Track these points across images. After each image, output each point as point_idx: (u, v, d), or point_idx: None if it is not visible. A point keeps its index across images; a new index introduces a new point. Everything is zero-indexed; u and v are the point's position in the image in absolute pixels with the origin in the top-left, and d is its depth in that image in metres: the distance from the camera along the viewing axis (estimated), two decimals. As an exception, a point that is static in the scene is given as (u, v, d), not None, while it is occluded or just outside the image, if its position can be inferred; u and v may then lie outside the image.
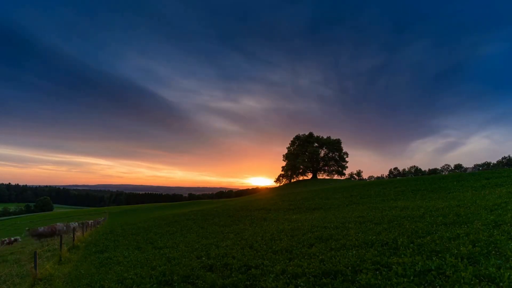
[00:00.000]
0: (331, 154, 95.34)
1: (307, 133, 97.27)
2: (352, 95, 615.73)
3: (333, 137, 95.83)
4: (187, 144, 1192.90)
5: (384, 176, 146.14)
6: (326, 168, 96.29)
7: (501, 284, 4.28)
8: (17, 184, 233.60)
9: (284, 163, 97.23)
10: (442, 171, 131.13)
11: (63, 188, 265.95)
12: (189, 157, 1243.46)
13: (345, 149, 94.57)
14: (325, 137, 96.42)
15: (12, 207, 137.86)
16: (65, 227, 20.94)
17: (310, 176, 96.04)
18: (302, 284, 5.56)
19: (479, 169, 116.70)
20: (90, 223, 29.17)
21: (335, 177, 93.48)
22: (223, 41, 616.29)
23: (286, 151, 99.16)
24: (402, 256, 6.22)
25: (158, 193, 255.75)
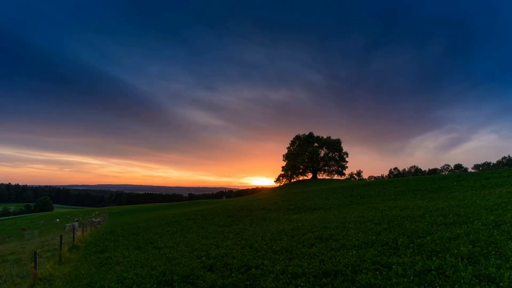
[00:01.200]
0: (331, 154, 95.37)
1: (307, 133, 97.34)
2: (343, 80, 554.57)
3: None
4: (170, 141, 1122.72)
5: (384, 176, 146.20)
6: (326, 168, 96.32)
7: (501, 284, 4.28)
8: (17, 184, 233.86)
9: (284, 163, 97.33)
10: (442, 171, 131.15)
11: (63, 188, 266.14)
12: (176, 155, 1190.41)
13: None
14: (325, 137, 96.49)
15: (12, 207, 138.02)
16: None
17: (310, 176, 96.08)
18: (302, 284, 5.56)
19: (479, 169, 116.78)
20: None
21: (335, 177, 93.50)
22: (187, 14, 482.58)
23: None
24: (402, 256, 6.22)
25: (158, 193, 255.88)
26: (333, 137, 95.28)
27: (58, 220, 58.05)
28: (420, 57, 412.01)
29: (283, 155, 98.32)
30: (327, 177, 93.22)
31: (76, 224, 32.51)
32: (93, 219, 36.55)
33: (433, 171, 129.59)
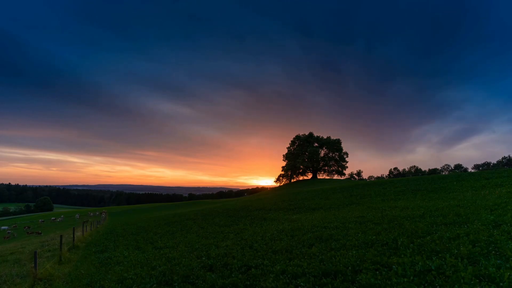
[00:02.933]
0: (331, 154, 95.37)
1: (307, 133, 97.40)
2: (327, 61, 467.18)
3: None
4: (153, 138, 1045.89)
5: (384, 176, 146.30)
6: (326, 168, 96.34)
7: (501, 284, 4.28)
8: (17, 184, 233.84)
9: (284, 163, 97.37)
10: (442, 171, 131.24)
11: (63, 188, 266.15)
12: (153, 152, 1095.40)
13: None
14: (325, 137, 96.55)
15: (12, 207, 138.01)
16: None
17: (310, 176, 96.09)
18: (302, 284, 5.56)
19: (479, 169, 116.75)
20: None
21: (335, 177, 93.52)
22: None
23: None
24: (402, 256, 6.22)
25: (158, 193, 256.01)
26: (332, 136, 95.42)
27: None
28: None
29: (283, 155, 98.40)
30: (327, 177, 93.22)
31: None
32: (89, 219, 36.71)
33: (433, 171, 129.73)
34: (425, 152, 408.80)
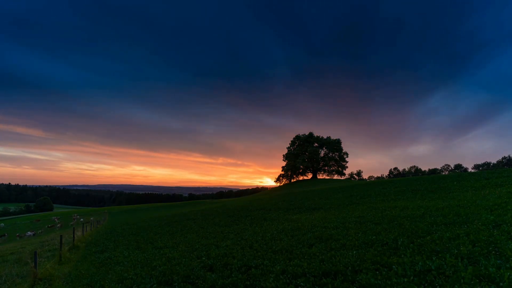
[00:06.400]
0: (331, 154, 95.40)
1: (307, 133, 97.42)
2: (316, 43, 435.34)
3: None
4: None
5: (384, 176, 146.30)
6: (326, 168, 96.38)
7: (501, 284, 4.28)
8: (17, 184, 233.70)
9: (284, 163, 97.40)
10: (442, 171, 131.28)
11: (63, 188, 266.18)
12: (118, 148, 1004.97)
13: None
14: (325, 137, 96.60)
15: (12, 207, 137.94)
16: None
17: (310, 176, 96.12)
18: (302, 284, 5.56)
19: (479, 169, 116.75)
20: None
21: (335, 177, 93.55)
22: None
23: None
24: (402, 256, 6.22)
25: (158, 193, 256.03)
26: (332, 136, 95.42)
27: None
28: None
29: (283, 155, 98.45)
30: (327, 177, 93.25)
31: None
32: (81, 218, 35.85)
33: (433, 171, 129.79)
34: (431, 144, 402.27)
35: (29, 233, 32.56)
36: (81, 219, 47.60)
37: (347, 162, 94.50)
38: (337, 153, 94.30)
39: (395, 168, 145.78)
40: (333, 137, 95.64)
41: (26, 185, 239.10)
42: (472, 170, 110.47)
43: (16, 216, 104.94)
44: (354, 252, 7.07)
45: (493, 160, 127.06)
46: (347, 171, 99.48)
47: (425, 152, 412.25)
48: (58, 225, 40.84)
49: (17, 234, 34.20)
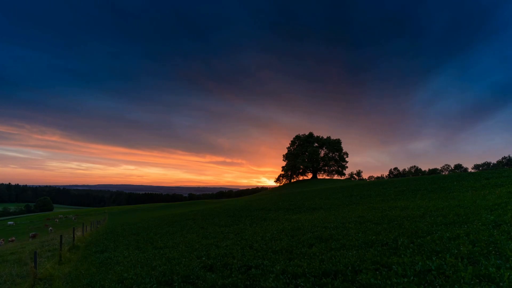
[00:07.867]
0: (331, 154, 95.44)
1: (307, 133, 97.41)
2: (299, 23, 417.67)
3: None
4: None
5: (384, 176, 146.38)
6: (326, 168, 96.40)
7: (501, 284, 4.28)
8: (17, 184, 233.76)
9: (284, 163, 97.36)
10: (442, 171, 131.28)
11: (63, 188, 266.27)
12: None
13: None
14: (325, 137, 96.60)
15: (12, 207, 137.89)
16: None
17: (310, 176, 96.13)
18: (302, 284, 5.56)
19: (479, 169, 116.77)
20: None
21: (335, 177, 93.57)
22: None
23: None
24: (402, 256, 6.22)
25: (158, 193, 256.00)
26: (333, 136, 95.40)
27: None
28: None
29: (283, 155, 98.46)
30: (327, 177, 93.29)
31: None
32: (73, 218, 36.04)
33: (433, 171, 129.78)
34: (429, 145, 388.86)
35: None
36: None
37: (347, 162, 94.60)
38: (337, 153, 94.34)
39: (395, 168, 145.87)
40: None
41: (26, 185, 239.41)
42: (472, 170, 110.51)
43: (16, 216, 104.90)
44: (354, 252, 7.07)
45: (493, 160, 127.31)
46: (347, 171, 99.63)
47: (426, 149, 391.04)
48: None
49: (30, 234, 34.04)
